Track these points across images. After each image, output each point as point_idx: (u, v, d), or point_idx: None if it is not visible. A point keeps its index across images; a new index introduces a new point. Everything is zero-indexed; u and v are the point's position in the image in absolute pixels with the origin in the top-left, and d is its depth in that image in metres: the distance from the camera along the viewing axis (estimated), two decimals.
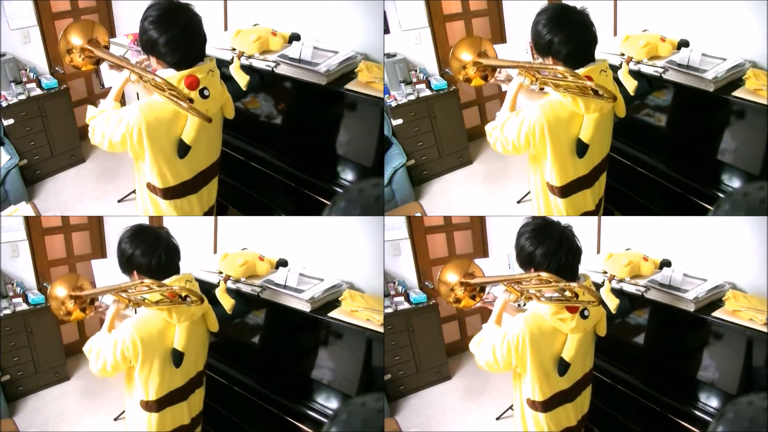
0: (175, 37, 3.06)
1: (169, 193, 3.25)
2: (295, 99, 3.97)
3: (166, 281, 3.22)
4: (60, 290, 3.33)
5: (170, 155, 3.18)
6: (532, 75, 3.16)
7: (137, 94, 3.37)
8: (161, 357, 3.24)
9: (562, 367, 3.20)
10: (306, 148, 3.99)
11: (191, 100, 3.08)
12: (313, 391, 3.83)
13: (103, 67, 3.48)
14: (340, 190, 3.86)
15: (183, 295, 3.22)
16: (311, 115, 3.97)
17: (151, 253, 3.22)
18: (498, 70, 3.36)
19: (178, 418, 3.37)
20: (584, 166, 3.25)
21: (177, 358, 3.27)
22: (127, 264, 3.25)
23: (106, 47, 3.32)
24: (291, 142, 4.02)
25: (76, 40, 3.24)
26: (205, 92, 3.12)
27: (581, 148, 3.18)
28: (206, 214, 3.42)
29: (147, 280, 3.19)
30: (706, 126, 3.83)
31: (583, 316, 3.17)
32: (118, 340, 3.19)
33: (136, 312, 3.30)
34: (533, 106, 3.17)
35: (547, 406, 3.25)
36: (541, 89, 3.19)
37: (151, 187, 3.26)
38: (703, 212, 3.74)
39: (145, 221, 3.61)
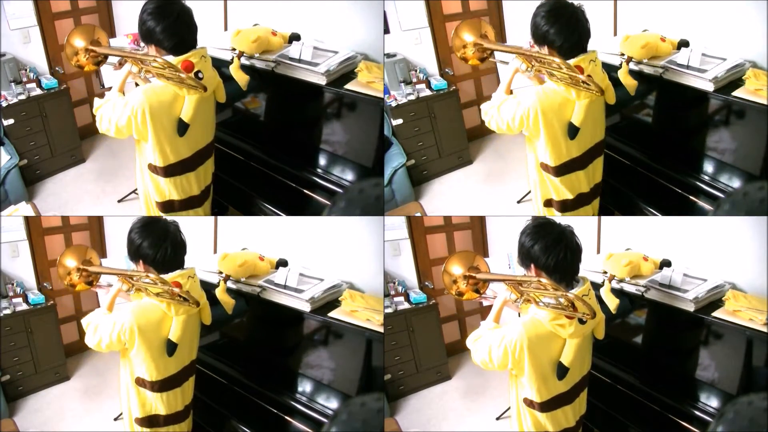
0: (171, 24, 3.37)
1: (170, 171, 3.49)
2: (295, 99, 3.97)
3: (170, 275, 3.36)
4: (70, 261, 3.49)
5: (171, 134, 3.44)
6: (530, 62, 3.36)
7: (136, 85, 3.47)
8: (156, 345, 3.38)
9: (561, 371, 3.21)
10: (306, 148, 3.99)
11: (203, 89, 3.42)
12: (313, 391, 3.83)
13: (104, 67, 3.67)
14: (340, 190, 3.86)
15: (182, 296, 3.36)
16: (311, 115, 3.97)
17: (157, 245, 3.37)
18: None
19: (173, 404, 3.48)
20: (577, 148, 3.41)
21: (170, 348, 3.40)
22: (135, 253, 3.41)
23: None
24: (291, 142, 4.02)
25: (80, 42, 3.51)
26: (200, 75, 3.42)
27: (572, 131, 3.36)
28: (203, 192, 3.62)
29: (152, 275, 3.34)
30: (705, 126, 3.83)
31: (581, 322, 3.17)
32: (116, 323, 3.33)
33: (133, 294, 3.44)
34: (530, 91, 3.37)
35: (545, 407, 3.26)
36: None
37: (152, 168, 3.49)
38: (694, 207, 3.74)
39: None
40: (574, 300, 3.12)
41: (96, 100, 3.48)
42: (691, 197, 3.81)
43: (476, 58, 3.56)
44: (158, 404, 3.45)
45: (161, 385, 3.42)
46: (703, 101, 3.76)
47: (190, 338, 3.47)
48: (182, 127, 3.43)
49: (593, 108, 3.37)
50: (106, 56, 3.54)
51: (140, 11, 3.39)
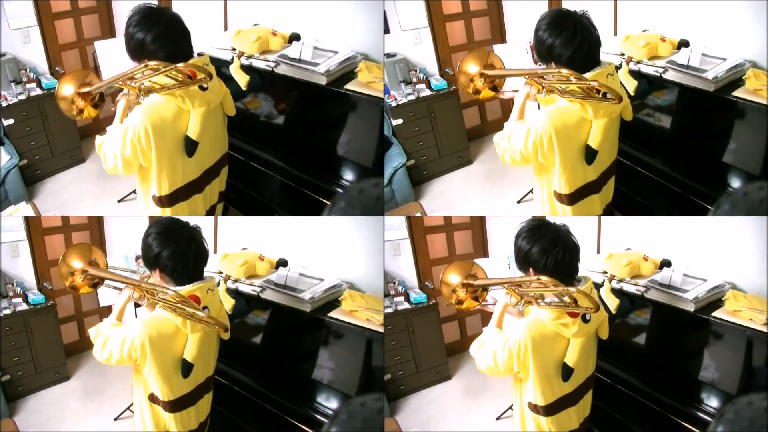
0: (162, 32, 3.09)
1: (173, 198, 3.24)
2: (295, 99, 3.98)
3: (188, 287, 3.11)
4: (75, 262, 3.24)
5: (177, 155, 3.18)
6: (538, 83, 3.12)
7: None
8: (169, 363, 3.15)
9: (566, 372, 3.16)
10: (306, 148, 3.99)
11: (209, 76, 3.14)
12: (313, 391, 3.83)
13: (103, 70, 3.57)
14: (340, 190, 3.86)
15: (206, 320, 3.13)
16: (311, 115, 3.97)
17: (178, 257, 3.11)
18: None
19: (186, 423, 3.29)
20: (593, 172, 3.21)
21: (186, 369, 3.17)
22: (152, 261, 3.14)
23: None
24: (291, 142, 4.02)
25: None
26: (204, 86, 3.15)
27: (590, 155, 3.14)
28: (208, 213, 3.41)
29: (172, 293, 3.06)
30: (706, 126, 3.83)
31: (585, 321, 3.13)
32: (126, 338, 3.09)
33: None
34: (540, 113, 3.13)
35: (549, 410, 3.21)
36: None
37: (156, 200, 3.24)
38: (703, 212, 3.74)
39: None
40: (576, 295, 3.08)
41: (97, 138, 3.20)
42: (691, 197, 3.81)
43: (487, 89, 3.25)
44: (171, 423, 3.23)
45: (173, 406, 3.19)
46: (703, 101, 3.76)
47: (206, 355, 3.24)
48: (190, 146, 3.17)
49: (611, 127, 3.15)
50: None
51: (126, 25, 3.12)
